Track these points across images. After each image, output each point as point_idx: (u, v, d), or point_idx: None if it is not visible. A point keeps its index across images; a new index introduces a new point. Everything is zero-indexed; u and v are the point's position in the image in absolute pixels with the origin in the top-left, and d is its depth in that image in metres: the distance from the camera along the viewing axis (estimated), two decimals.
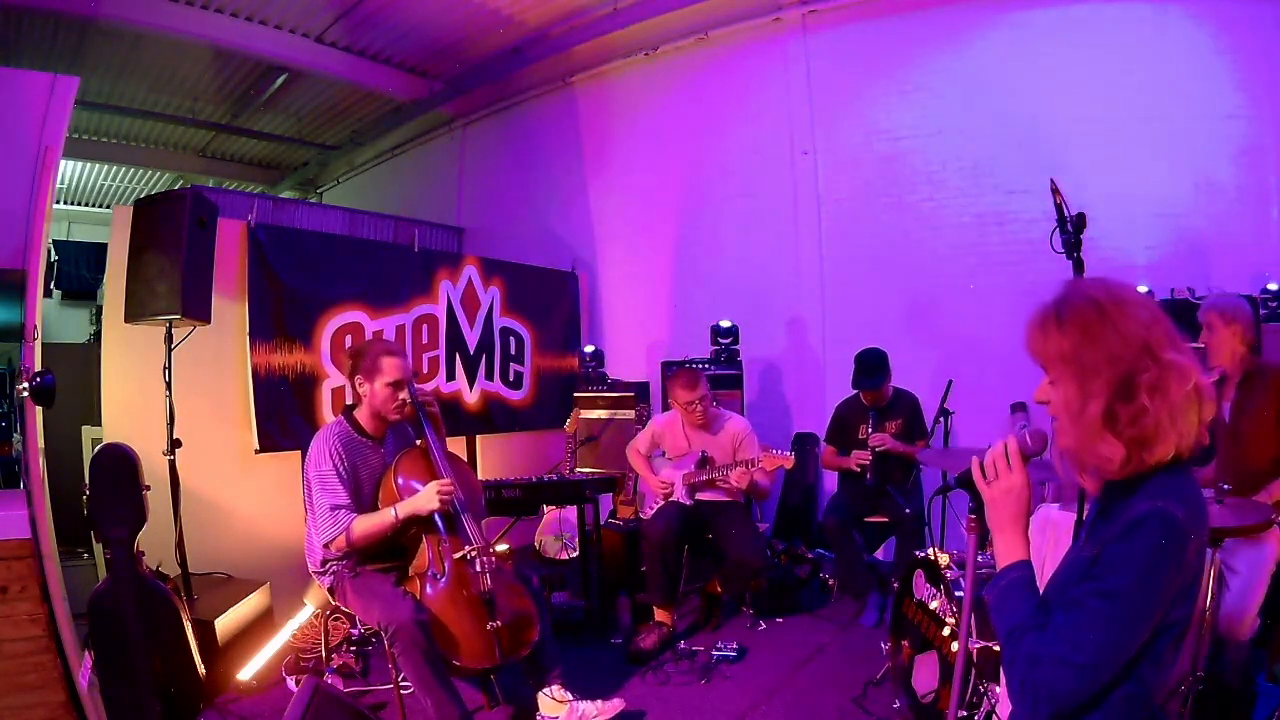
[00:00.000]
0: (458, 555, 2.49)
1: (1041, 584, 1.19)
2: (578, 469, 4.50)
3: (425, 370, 4.69)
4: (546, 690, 2.57)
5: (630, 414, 4.75)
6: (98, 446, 2.61)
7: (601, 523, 4.15)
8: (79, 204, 9.56)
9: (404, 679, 2.38)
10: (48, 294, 7.05)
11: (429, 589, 2.46)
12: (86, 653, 2.41)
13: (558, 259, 5.95)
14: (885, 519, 3.83)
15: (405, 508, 2.47)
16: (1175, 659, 1.11)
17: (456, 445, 4.70)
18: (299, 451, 3.71)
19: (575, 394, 5.10)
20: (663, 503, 3.67)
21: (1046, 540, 2.28)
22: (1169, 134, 4.27)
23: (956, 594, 2.37)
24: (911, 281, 4.91)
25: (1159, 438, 1.06)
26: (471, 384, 5.00)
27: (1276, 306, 3.73)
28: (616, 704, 2.61)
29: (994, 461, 1.22)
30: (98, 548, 3.20)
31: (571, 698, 2.55)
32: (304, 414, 4.01)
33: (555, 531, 4.41)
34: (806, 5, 5.24)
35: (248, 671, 3.01)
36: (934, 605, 2.47)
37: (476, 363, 5.04)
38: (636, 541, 3.99)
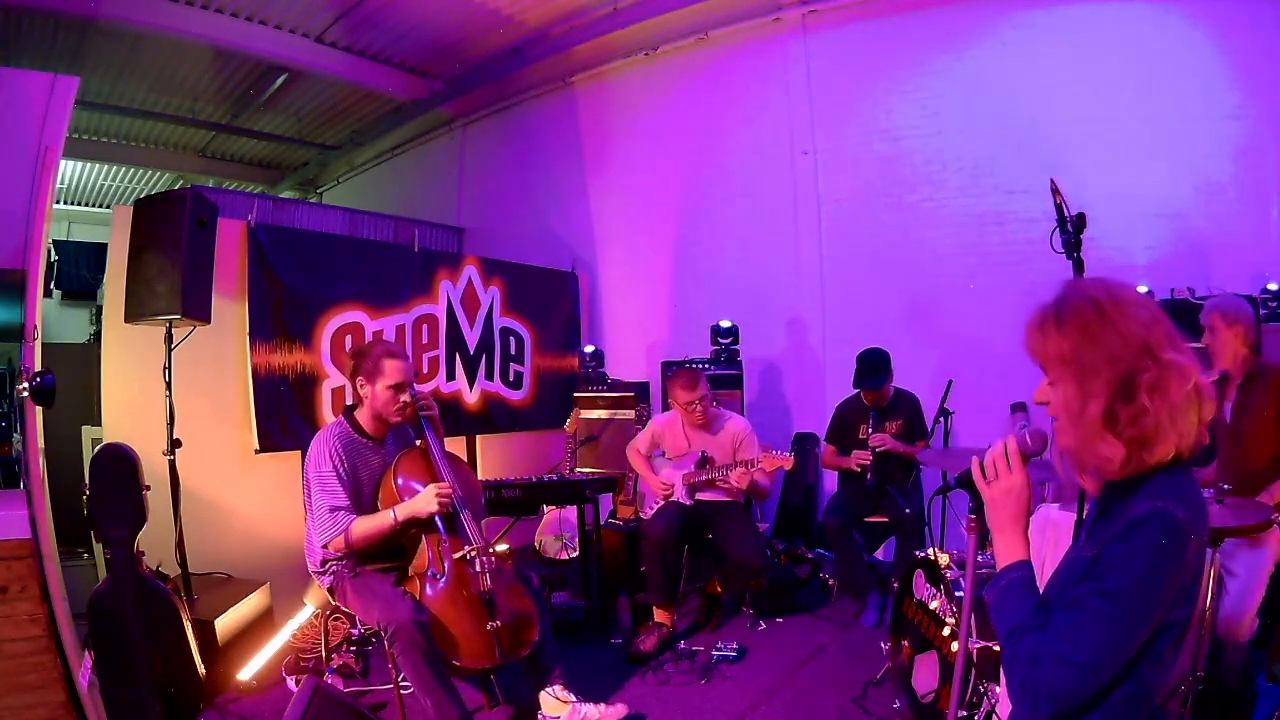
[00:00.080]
0: (457, 555, 2.48)
1: (1041, 584, 1.19)
2: (578, 469, 4.50)
3: (425, 370, 4.69)
4: (549, 690, 2.57)
5: (630, 414, 4.75)
6: (98, 446, 2.61)
7: (601, 523, 4.15)
8: (79, 204, 9.56)
9: (404, 679, 2.38)
10: (48, 294, 7.05)
11: (429, 589, 2.46)
12: (86, 653, 2.41)
13: (558, 259, 5.95)
14: (885, 519, 3.83)
15: (404, 510, 2.47)
16: (1175, 659, 1.11)
17: (456, 445, 4.71)
18: (299, 451, 3.72)
19: (575, 394, 5.10)
20: (663, 503, 3.67)
21: (1046, 540, 2.28)
22: (1169, 134, 4.27)
23: (956, 594, 2.37)
24: (911, 281, 4.91)
25: (1159, 438, 1.05)
26: (471, 384, 5.00)
27: (1276, 306, 3.73)
28: (619, 709, 2.61)
29: (994, 461, 1.22)
30: (98, 548, 3.20)
31: (574, 699, 2.55)
32: (304, 414, 4.01)
33: (555, 531, 4.41)
34: (806, 5, 5.24)
35: (248, 671, 3.01)
36: (934, 605, 2.47)
37: (476, 363, 5.04)
38: (636, 541, 3.98)
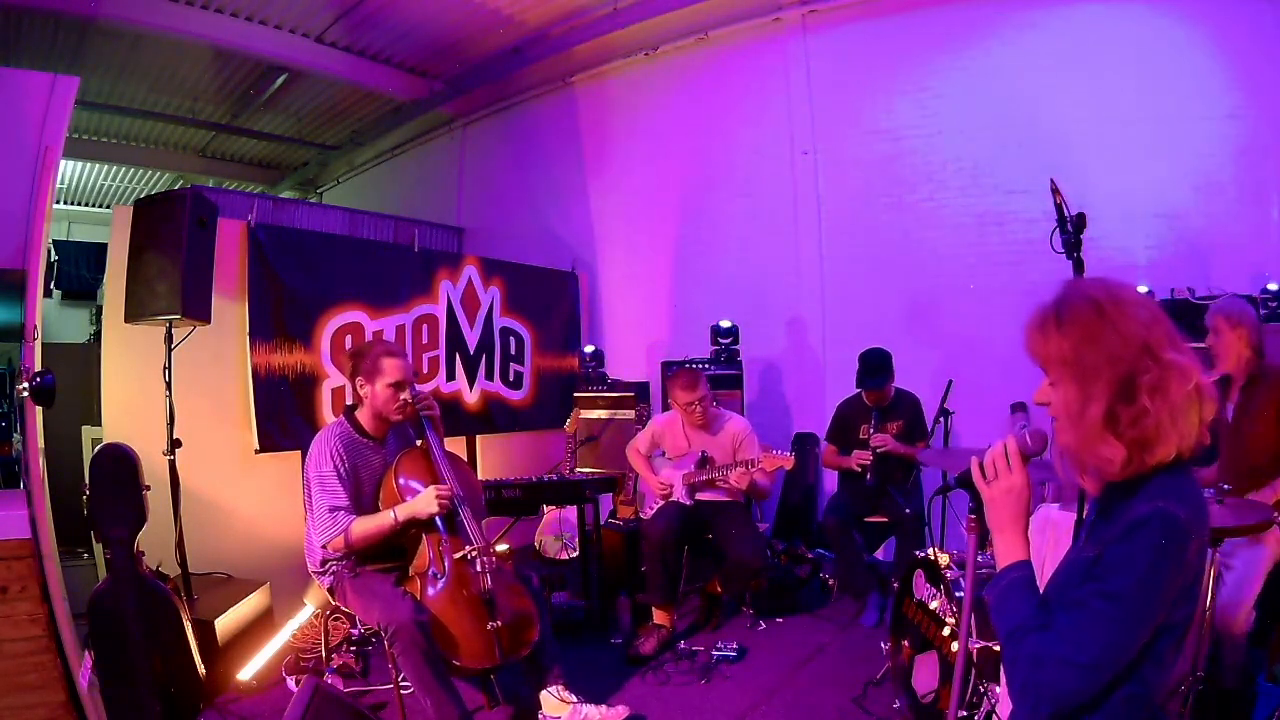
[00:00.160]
0: (458, 555, 2.48)
1: (1041, 584, 1.18)
2: (578, 469, 4.50)
3: (425, 370, 4.69)
4: (551, 690, 2.57)
5: (630, 414, 4.75)
6: (98, 446, 2.61)
7: (601, 523, 4.15)
8: (79, 204, 9.56)
9: (404, 679, 2.38)
10: (48, 294, 7.05)
11: (429, 589, 2.46)
12: (86, 653, 2.41)
13: (558, 259, 5.95)
14: (885, 519, 3.82)
15: (404, 510, 2.47)
16: (1176, 659, 1.11)
17: (456, 445, 4.71)
18: (299, 451, 3.72)
19: (575, 394, 5.10)
20: (663, 503, 3.67)
21: (1046, 540, 2.28)
22: (1169, 134, 4.27)
23: (956, 594, 2.37)
24: (911, 281, 4.91)
25: (1160, 439, 1.05)
26: (471, 384, 5.00)
27: (1276, 306, 3.72)
28: (621, 710, 2.61)
29: (994, 461, 1.22)
30: (98, 548, 3.20)
31: (575, 699, 2.55)
32: (304, 414, 4.01)
33: (555, 531, 4.41)
34: (806, 5, 5.24)
35: (248, 671, 3.01)
36: (934, 605, 2.47)
37: (476, 363, 5.04)
38: (636, 541, 3.98)
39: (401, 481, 2.56)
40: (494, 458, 5.17)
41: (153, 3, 5.29)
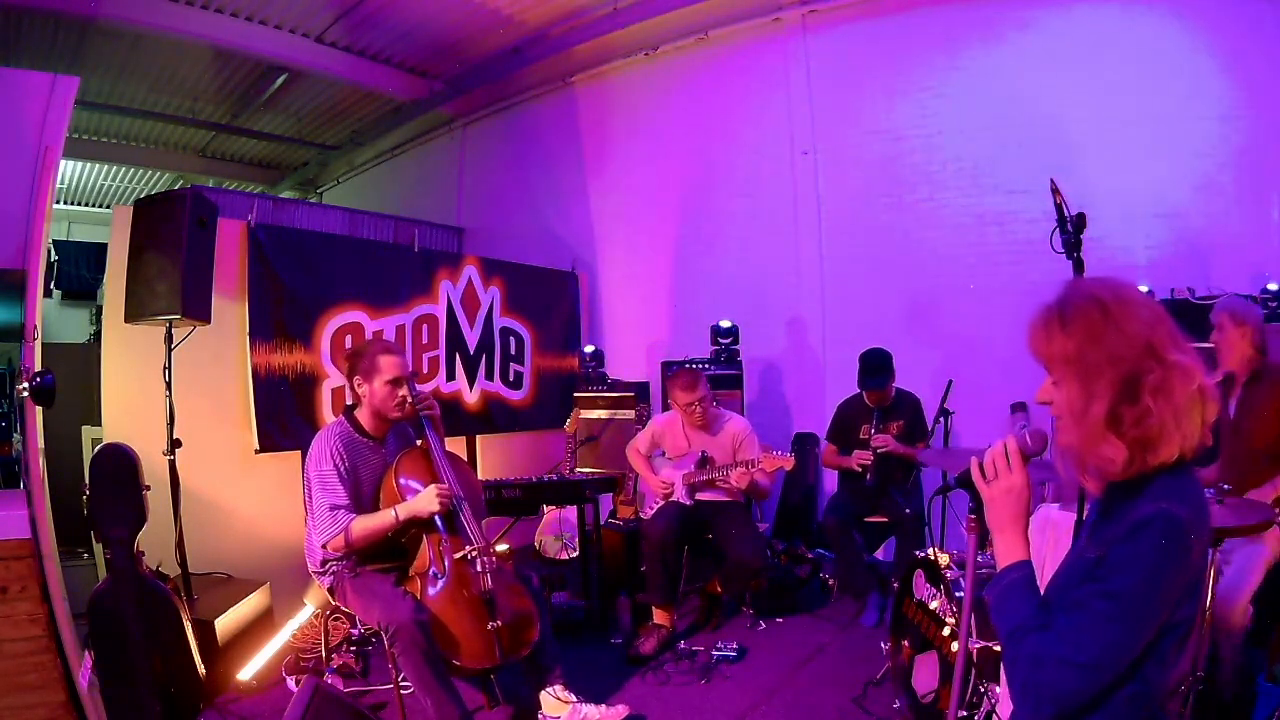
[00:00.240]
0: (458, 555, 2.48)
1: (1042, 584, 1.18)
2: (578, 469, 4.50)
3: (425, 370, 4.69)
4: (550, 690, 2.57)
5: (630, 414, 4.75)
6: (98, 446, 2.61)
7: (601, 523, 4.15)
8: (79, 204, 9.56)
9: (404, 679, 2.38)
10: (48, 294, 7.05)
11: (429, 589, 2.46)
12: (86, 653, 2.41)
13: (558, 259, 5.95)
14: (885, 519, 3.82)
15: (405, 509, 2.47)
16: (1179, 659, 1.11)
17: (456, 445, 4.71)
18: (299, 451, 3.72)
19: (575, 394, 5.10)
20: (663, 503, 3.67)
21: (1046, 540, 2.28)
22: (1169, 134, 4.27)
23: (956, 594, 2.37)
24: (911, 281, 4.91)
25: (1163, 439, 1.05)
26: (471, 384, 5.00)
27: (1277, 306, 3.72)
28: (620, 710, 2.61)
29: (993, 461, 1.21)
30: (98, 548, 3.20)
31: (575, 699, 2.55)
32: (304, 414, 4.01)
33: (555, 531, 4.41)
34: (806, 5, 5.24)
35: (248, 671, 3.01)
36: (934, 605, 2.47)
37: (476, 363, 5.04)
38: (636, 541, 3.98)
39: (402, 481, 2.56)
40: (494, 458, 5.17)
41: (153, 3, 5.29)
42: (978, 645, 2.22)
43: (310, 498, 2.52)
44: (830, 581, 4.04)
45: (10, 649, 2.16)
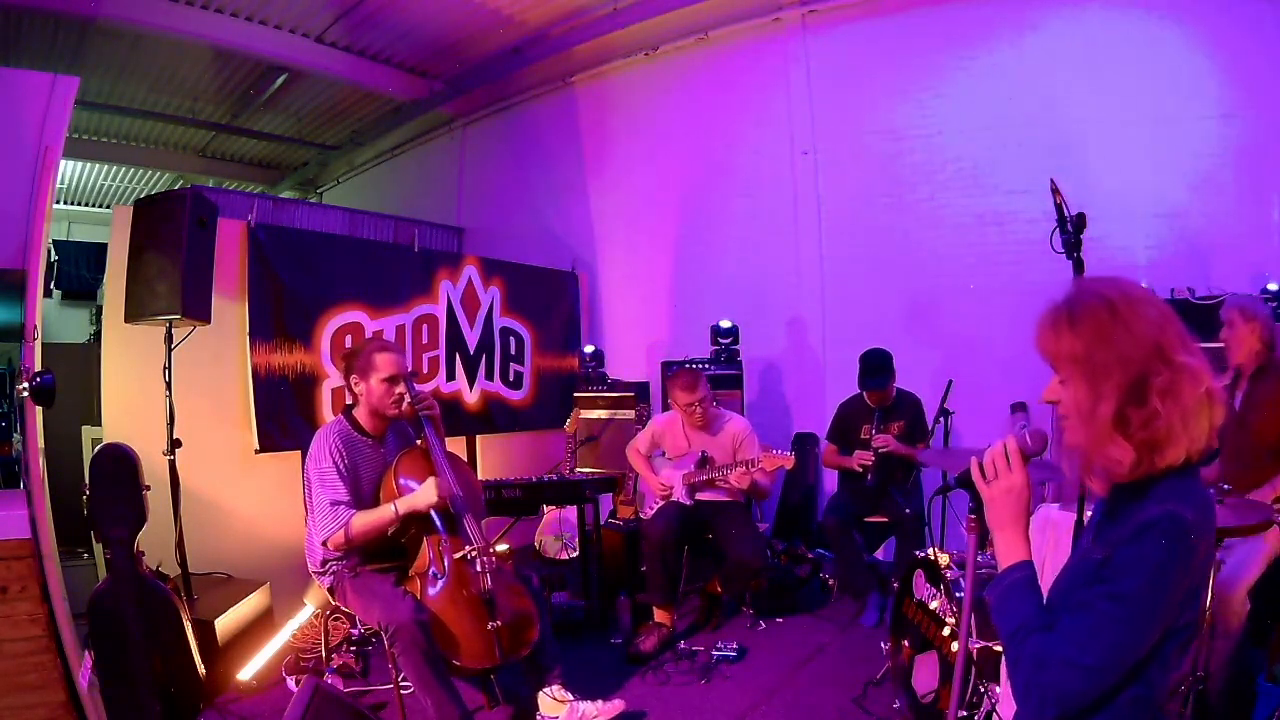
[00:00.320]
0: (458, 555, 2.49)
1: (1042, 584, 1.18)
2: (578, 469, 4.50)
3: (425, 370, 4.69)
4: (547, 690, 2.57)
5: (630, 414, 4.75)
6: (98, 446, 2.61)
7: (601, 523, 4.15)
8: (79, 204, 9.56)
9: (404, 679, 2.38)
10: (48, 294, 7.05)
11: (429, 589, 2.46)
12: (86, 653, 2.41)
13: (558, 259, 5.95)
14: (885, 519, 3.83)
15: (404, 504, 2.48)
16: (1182, 661, 1.11)
17: (456, 445, 4.71)
18: (299, 451, 3.72)
19: (575, 394, 5.11)
20: (663, 503, 3.67)
21: (1046, 540, 2.28)
22: (1169, 134, 4.27)
23: (956, 594, 2.37)
24: (911, 281, 4.91)
25: (1170, 441, 1.04)
26: (471, 384, 5.00)
27: (1277, 306, 3.72)
28: (617, 704, 2.61)
29: (993, 462, 1.21)
30: (98, 548, 3.20)
31: (572, 698, 2.55)
32: (304, 414, 4.01)
33: (555, 531, 4.41)
34: (806, 5, 5.24)
35: (248, 671, 3.01)
36: (934, 605, 2.47)
37: (476, 363, 5.04)
38: (636, 541, 3.99)
39: (401, 481, 2.56)
40: (494, 458, 5.17)
41: (153, 3, 5.29)
42: (978, 645, 2.22)
43: (310, 496, 2.52)
44: (830, 581, 4.04)
45: (10, 649, 2.16)
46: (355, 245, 5.31)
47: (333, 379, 4.13)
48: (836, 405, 4.10)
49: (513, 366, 5.32)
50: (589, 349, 5.45)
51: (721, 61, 5.68)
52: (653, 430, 3.85)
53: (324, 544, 2.49)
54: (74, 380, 4.19)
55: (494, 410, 5.15)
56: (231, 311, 3.77)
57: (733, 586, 3.66)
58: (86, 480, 2.46)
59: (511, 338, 5.32)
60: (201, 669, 2.72)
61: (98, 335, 4.56)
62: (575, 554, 4.19)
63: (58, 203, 7.65)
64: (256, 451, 3.84)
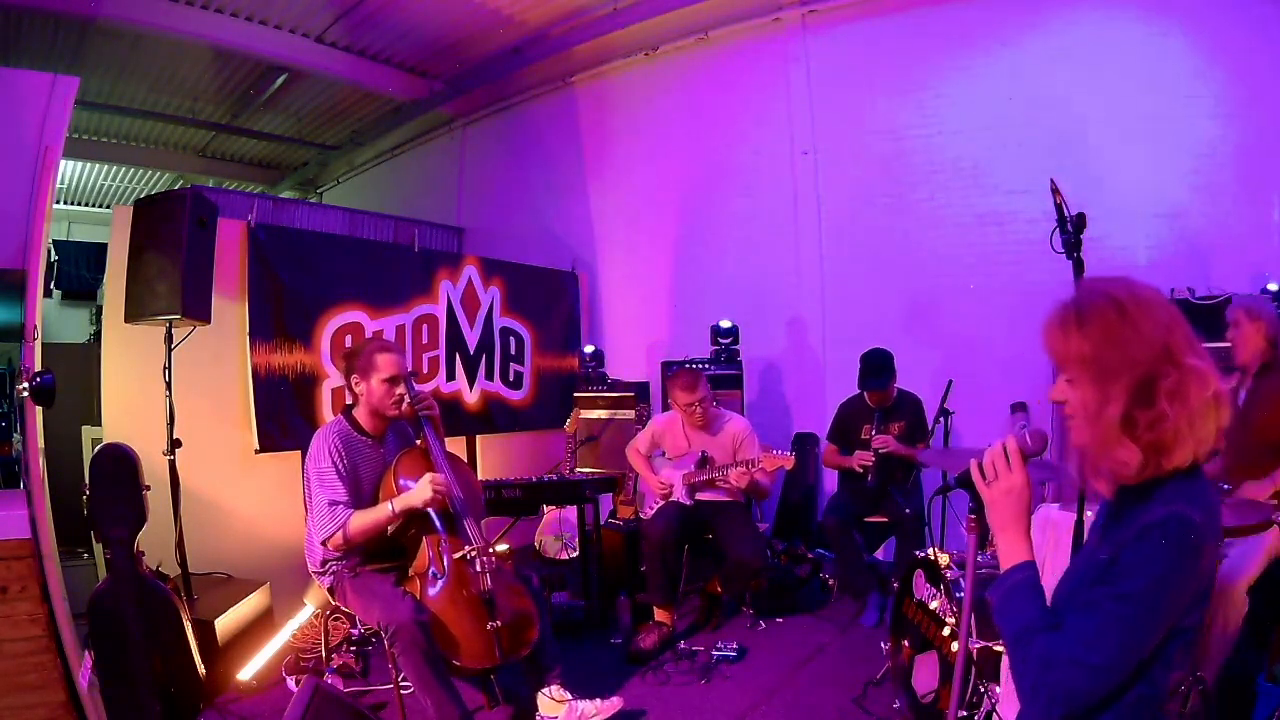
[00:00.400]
0: (457, 555, 2.49)
1: (1044, 584, 1.18)
2: (578, 469, 4.50)
3: (425, 370, 4.69)
4: (546, 690, 2.57)
5: (630, 414, 4.75)
6: (98, 446, 2.61)
7: (601, 523, 4.15)
8: (79, 204, 9.56)
9: (404, 679, 2.38)
10: (48, 294, 7.05)
11: (429, 589, 2.46)
12: (86, 653, 2.41)
13: (558, 259, 5.95)
14: (885, 519, 3.83)
15: (401, 502, 2.47)
16: (1185, 662, 1.11)
17: (456, 445, 4.71)
18: (299, 451, 3.71)
19: (575, 394, 5.11)
20: (663, 503, 3.67)
21: (1047, 540, 2.28)
22: (1169, 134, 4.27)
23: (956, 594, 2.37)
24: (911, 281, 4.91)
25: (1177, 443, 1.04)
26: (471, 384, 5.00)
27: (1278, 306, 3.73)
28: (615, 703, 2.61)
29: (993, 462, 1.21)
30: (98, 548, 3.20)
31: (570, 697, 2.55)
32: (304, 414, 4.01)
33: (555, 531, 4.41)
34: (806, 5, 5.24)
35: (248, 671, 3.01)
36: (934, 605, 2.47)
37: (476, 363, 5.04)
38: (636, 541, 3.99)
39: (401, 481, 2.56)
40: (494, 458, 5.17)
41: (153, 3, 5.29)
42: (978, 645, 2.22)
43: (310, 496, 2.52)
44: (830, 581, 4.04)
45: (10, 649, 2.16)
46: (355, 245, 5.31)
47: (333, 379, 4.13)
48: (836, 405, 4.10)
49: (513, 366, 5.32)
50: (589, 349, 5.45)
51: (721, 61, 5.68)
52: (653, 430, 3.85)
53: (323, 544, 2.49)
54: (74, 380, 4.19)
55: (494, 410, 5.15)
56: (231, 311, 3.77)
57: (733, 586, 3.66)
58: (86, 480, 2.46)
59: (511, 338, 5.32)
60: (201, 669, 2.72)
61: (98, 335, 4.56)
62: (575, 554, 4.19)
63: (58, 203, 7.66)
64: (256, 451, 3.84)
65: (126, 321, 3.18)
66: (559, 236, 6.38)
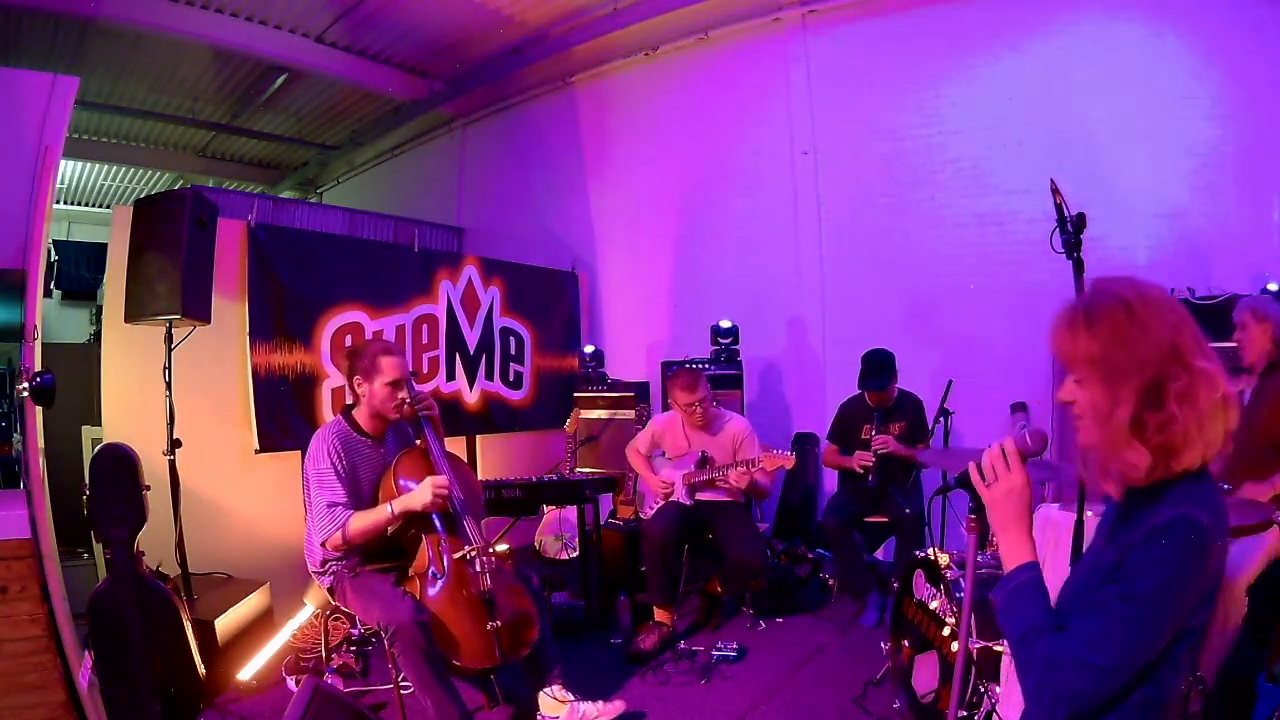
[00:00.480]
0: (457, 555, 2.48)
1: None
2: (578, 469, 4.50)
3: (425, 370, 4.69)
4: (547, 690, 2.57)
5: (630, 414, 4.75)
6: (98, 446, 2.61)
7: (601, 523, 4.15)
8: (79, 204, 9.56)
9: (404, 679, 2.38)
10: (48, 294, 7.05)
11: (429, 589, 2.45)
12: (86, 653, 2.41)
13: (558, 259, 5.95)
14: (885, 519, 3.82)
15: (400, 504, 2.47)
16: (1191, 663, 1.11)
17: (456, 445, 4.71)
18: (299, 451, 3.71)
19: (575, 394, 5.11)
20: (663, 503, 3.67)
21: (1046, 540, 2.28)
22: (1169, 134, 4.27)
23: (956, 594, 2.37)
24: (911, 281, 4.91)
25: (1186, 446, 1.04)
26: (471, 384, 5.00)
27: None
28: (617, 705, 2.61)
29: (992, 465, 1.21)
30: (98, 548, 3.20)
31: (572, 698, 2.55)
32: (304, 414, 4.01)
33: (555, 531, 4.41)
34: (806, 5, 5.24)
35: (248, 671, 3.01)
36: (934, 605, 2.47)
37: (476, 363, 5.04)
38: (636, 541, 3.99)
39: (401, 481, 2.56)
40: (494, 458, 5.17)
41: (153, 3, 5.29)
42: (978, 645, 2.22)
43: (309, 497, 2.52)
44: (830, 581, 4.04)
45: (10, 649, 2.16)
46: (355, 245, 5.31)
47: (333, 379, 4.13)
48: (836, 405, 4.09)
49: (513, 366, 5.32)
50: (589, 349, 5.45)
51: (721, 61, 5.68)
52: (653, 430, 3.85)
53: (322, 545, 2.49)
54: (74, 380, 4.19)
55: (494, 410, 5.15)
56: (231, 311, 3.77)
57: (733, 586, 3.66)
58: (86, 480, 2.46)
59: (511, 338, 5.32)
60: (201, 669, 2.72)
61: (98, 335, 4.56)
62: (575, 554, 4.19)
63: (58, 203, 7.66)
64: (256, 451, 3.84)
65: (126, 321, 3.18)
66: (559, 236, 6.38)
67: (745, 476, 3.46)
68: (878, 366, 3.80)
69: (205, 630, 2.85)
